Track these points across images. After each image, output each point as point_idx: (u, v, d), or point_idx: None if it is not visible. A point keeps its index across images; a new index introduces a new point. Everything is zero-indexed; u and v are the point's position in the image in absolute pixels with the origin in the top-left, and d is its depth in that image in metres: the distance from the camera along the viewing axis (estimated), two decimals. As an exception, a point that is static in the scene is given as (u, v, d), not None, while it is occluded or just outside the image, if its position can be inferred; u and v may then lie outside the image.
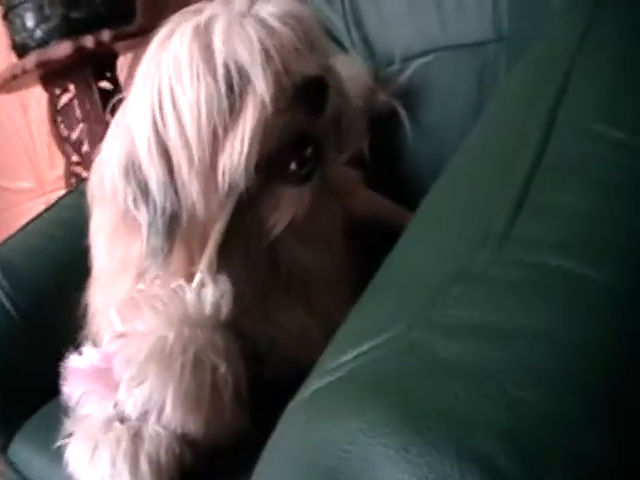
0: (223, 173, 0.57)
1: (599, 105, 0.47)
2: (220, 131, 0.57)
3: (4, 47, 1.79)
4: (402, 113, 1.05)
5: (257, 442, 0.39)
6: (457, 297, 0.35)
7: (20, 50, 1.44)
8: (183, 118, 0.57)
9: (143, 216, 0.59)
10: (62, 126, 1.52)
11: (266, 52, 0.57)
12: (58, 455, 0.68)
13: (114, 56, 1.53)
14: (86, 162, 1.51)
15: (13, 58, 1.75)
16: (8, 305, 0.86)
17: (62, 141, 1.52)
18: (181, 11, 0.64)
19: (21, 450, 0.80)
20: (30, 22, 1.39)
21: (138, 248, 0.62)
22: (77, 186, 1.06)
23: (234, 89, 0.57)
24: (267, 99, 0.56)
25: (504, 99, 0.61)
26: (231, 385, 0.55)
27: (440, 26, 1.04)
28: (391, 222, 0.79)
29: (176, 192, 0.59)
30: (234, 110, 0.57)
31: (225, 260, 0.59)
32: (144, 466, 0.53)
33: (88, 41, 1.35)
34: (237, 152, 0.56)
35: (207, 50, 0.57)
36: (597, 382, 0.31)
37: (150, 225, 0.59)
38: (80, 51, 1.35)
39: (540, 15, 0.90)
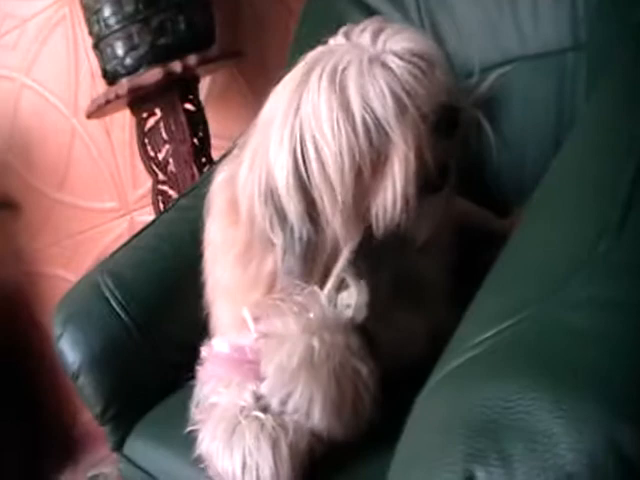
0: (377, 216, 0.61)
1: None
2: (366, 175, 0.61)
3: (88, 75, 1.92)
4: (484, 123, 1.09)
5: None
6: (584, 278, 0.40)
7: (111, 77, 1.53)
8: (327, 165, 0.62)
9: (279, 239, 0.64)
10: (149, 147, 1.61)
11: (398, 102, 0.61)
12: (179, 447, 0.74)
13: (196, 79, 1.61)
14: (172, 181, 1.59)
15: (96, 86, 1.87)
16: (123, 315, 0.93)
17: (149, 161, 1.61)
18: (311, 51, 0.68)
19: (139, 446, 0.87)
20: (120, 50, 1.48)
21: (271, 266, 0.66)
22: (174, 203, 1.12)
23: (373, 140, 0.61)
24: (411, 155, 0.60)
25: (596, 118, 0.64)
26: (371, 387, 0.59)
27: (517, 36, 1.07)
28: (483, 227, 0.83)
29: (314, 221, 0.63)
30: (379, 158, 0.61)
31: (355, 269, 0.63)
32: (285, 450, 0.58)
33: (176, 66, 1.43)
34: (390, 200, 0.60)
35: (343, 100, 0.61)
36: None
37: (286, 248, 0.63)
38: (169, 76, 1.44)
39: (620, 21, 0.92)
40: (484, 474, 0.32)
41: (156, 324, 0.95)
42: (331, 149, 0.61)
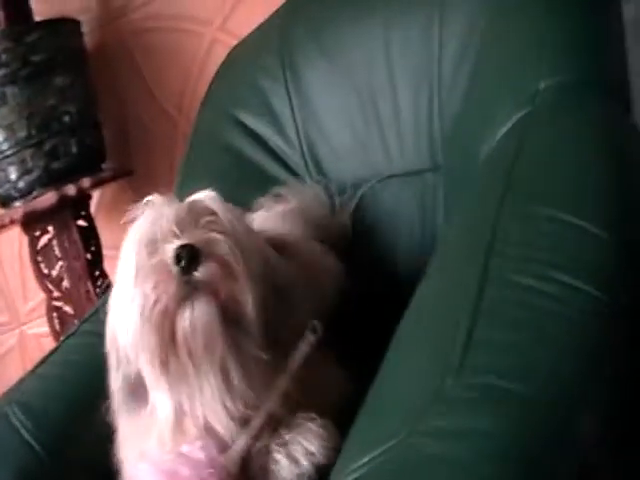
0: None
1: (522, 261, 0.65)
2: None
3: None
4: (350, 237, 1.21)
5: None
6: (436, 412, 0.52)
7: (3, 200, 1.56)
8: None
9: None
10: (42, 265, 1.63)
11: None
12: None
13: (88, 197, 1.67)
14: (67, 296, 1.62)
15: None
16: (35, 444, 0.95)
17: (43, 278, 1.63)
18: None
19: None
20: (13, 175, 1.53)
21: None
22: (77, 328, 1.16)
23: None
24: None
25: (445, 253, 0.78)
26: None
27: (385, 158, 1.20)
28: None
29: None
30: None
31: None
32: None
33: (71, 190, 1.49)
34: None
35: None
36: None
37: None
38: (62, 199, 1.49)
39: (470, 150, 1.07)
40: None
41: (66, 451, 0.97)
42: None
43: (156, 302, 0.70)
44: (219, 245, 0.72)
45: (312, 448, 0.74)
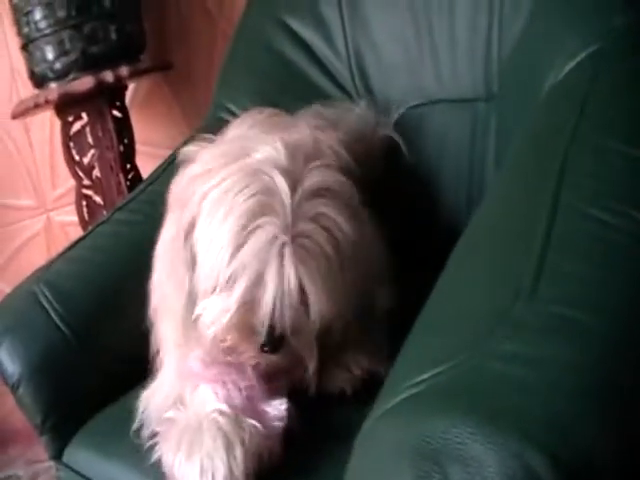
0: None
1: (594, 194, 0.63)
2: None
3: (8, 73, 1.89)
4: (402, 146, 1.18)
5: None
6: (502, 335, 0.51)
7: (39, 80, 1.53)
8: None
9: None
10: (74, 151, 1.62)
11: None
12: (123, 454, 0.80)
13: (125, 87, 1.64)
14: (97, 186, 1.61)
15: (17, 85, 1.85)
16: (63, 326, 0.96)
17: (74, 165, 1.62)
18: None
19: (81, 454, 0.91)
20: (50, 55, 1.49)
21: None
22: (110, 216, 1.16)
23: None
24: None
25: (511, 175, 0.76)
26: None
27: (435, 81, 1.16)
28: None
29: None
30: None
31: None
32: (239, 452, 0.65)
33: (108, 76, 1.46)
34: None
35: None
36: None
37: None
38: (100, 85, 1.46)
39: (529, 82, 1.04)
40: (429, 493, 0.42)
41: (95, 336, 0.99)
42: None
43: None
44: (304, 335, 0.72)
45: (360, 355, 0.76)
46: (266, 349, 0.70)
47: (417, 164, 1.17)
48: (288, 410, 0.71)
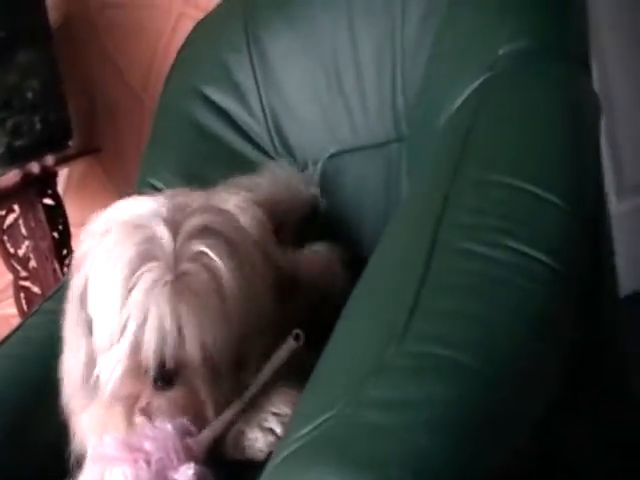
0: None
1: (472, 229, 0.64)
2: None
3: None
4: (322, 204, 1.20)
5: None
6: (375, 382, 0.52)
7: (-34, 179, 1.53)
8: None
9: None
10: (8, 244, 1.61)
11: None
12: None
13: (54, 175, 1.65)
14: (34, 276, 1.60)
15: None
16: (-8, 425, 0.94)
17: (9, 258, 1.61)
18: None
19: None
20: (-25, 152, 1.50)
21: None
22: (39, 307, 1.15)
23: None
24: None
25: (397, 222, 0.77)
26: None
27: (349, 130, 1.19)
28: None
29: None
30: None
31: None
32: None
33: (34, 167, 1.47)
34: None
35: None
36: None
37: None
38: (26, 177, 1.47)
39: (429, 120, 1.06)
40: None
41: (25, 431, 0.96)
42: None
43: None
44: (195, 372, 0.73)
45: (280, 409, 0.75)
46: (159, 384, 0.72)
47: (338, 212, 1.19)
48: (197, 475, 0.70)
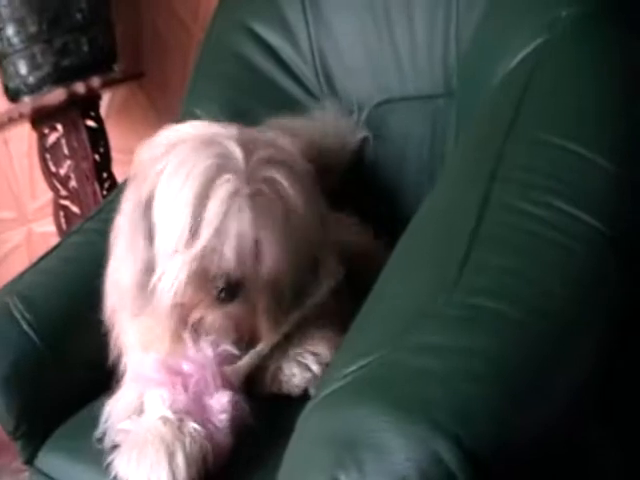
0: None
1: (524, 187, 0.65)
2: None
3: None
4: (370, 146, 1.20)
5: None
6: (422, 328, 0.54)
7: (13, 95, 1.56)
8: None
9: None
10: (50, 163, 1.64)
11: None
12: (92, 459, 0.82)
13: (98, 97, 1.66)
14: (74, 196, 1.64)
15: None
16: (34, 337, 0.99)
17: (51, 177, 1.64)
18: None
19: (52, 459, 0.94)
20: (23, 69, 1.51)
21: None
22: (80, 226, 1.18)
23: None
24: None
25: (449, 177, 0.78)
26: None
27: (397, 79, 1.19)
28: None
29: None
30: None
31: None
32: (180, 460, 0.68)
33: (80, 88, 1.48)
34: None
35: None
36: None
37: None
38: (72, 97, 1.48)
39: (483, 77, 1.05)
40: (345, 477, 0.44)
41: (66, 345, 1.01)
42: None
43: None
44: (259, 289, 0.75)
45: (319, 349, 0.77)
46: (223, 296, 0.73)
47: (381, 161, 1.19)
48: (232, 402, 0.73)
